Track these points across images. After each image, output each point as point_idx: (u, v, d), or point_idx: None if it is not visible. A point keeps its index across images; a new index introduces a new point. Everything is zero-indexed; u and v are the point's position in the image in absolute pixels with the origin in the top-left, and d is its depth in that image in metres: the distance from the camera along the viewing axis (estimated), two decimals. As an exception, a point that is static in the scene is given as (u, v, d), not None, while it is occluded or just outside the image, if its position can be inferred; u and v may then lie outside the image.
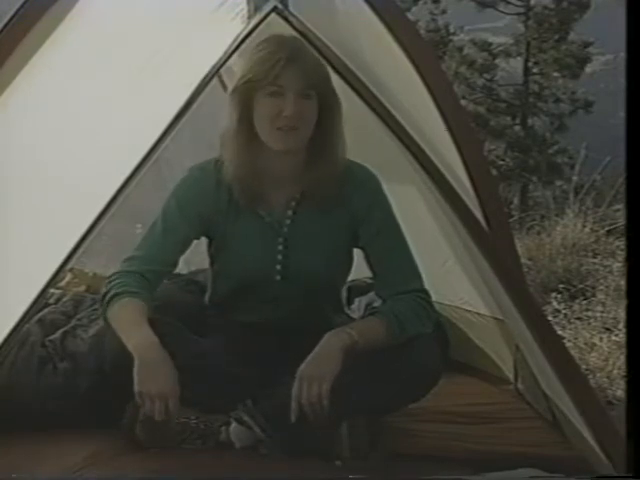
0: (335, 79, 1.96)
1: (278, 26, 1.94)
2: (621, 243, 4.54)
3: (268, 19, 1.91)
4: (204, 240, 2.23)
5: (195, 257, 2.37)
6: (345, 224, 2.16)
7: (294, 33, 1.98)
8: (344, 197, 2.14)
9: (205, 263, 2.29)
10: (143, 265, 2.09)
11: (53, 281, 1.84)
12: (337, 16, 2.29)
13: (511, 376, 2.64)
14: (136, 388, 1.90)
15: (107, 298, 2.04)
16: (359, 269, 2.28)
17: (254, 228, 2.16)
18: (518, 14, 12.86)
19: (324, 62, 2.04)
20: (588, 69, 13.07)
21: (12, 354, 2.24)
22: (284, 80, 2.00)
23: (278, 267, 2.17)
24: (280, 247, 2.16)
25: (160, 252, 2.11)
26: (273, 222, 2.16)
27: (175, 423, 2.05)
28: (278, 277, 2.17)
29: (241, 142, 2.08)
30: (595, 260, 4.47)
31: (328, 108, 2.07)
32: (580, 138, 8.22)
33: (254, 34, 1.92)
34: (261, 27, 1.91)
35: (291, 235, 2.16)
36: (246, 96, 2.04)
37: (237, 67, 2.10)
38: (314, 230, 2.16)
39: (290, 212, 2.16)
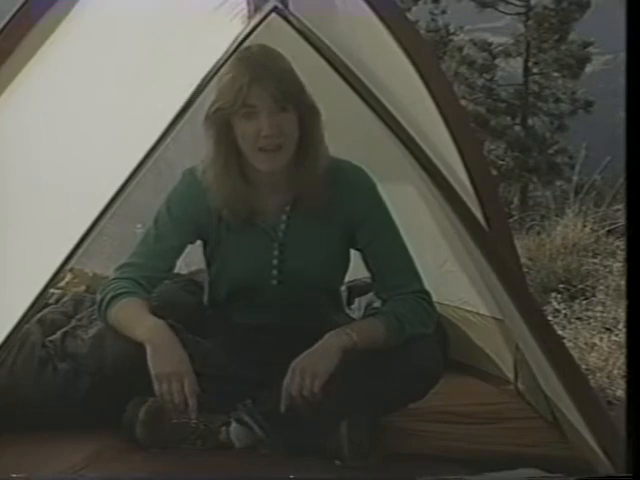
0: (335, 79, 1.96)
1: (278, 26, 1.94)
2: (621, 243, 4.54)
3: (268, 19, 1.91)
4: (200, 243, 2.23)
5: (195, 257, 2.37)
6: (341, 226, 2.16)
7: (289, 34, 1.97)
8: (339, 199, 2.14)
9: (205, 263, 2.30)
10: (136, 272, 2.10)
11: (53, 281, 1.84)
12: (337, 16, 2.29)
13: (511, 376, 2.64)
14: (152, 372, 1.92)
15: (104, 302, 2.06)
16: (359, 269, 2.28)
17: (249, 234, 2.15)
18: (518, 14, 12.85)
19: (293, 71, 2.04)
20: (588, 69, 13.05)
21: (12, 354, 2.24)
22: (253, 101, 2.00)
23: (274, 272, 2.17)
24: (275, 252, 2.16)
25: (152, 259, 2.13)
26: (267, 228, 2.16)
27: (176, 422, 2.06)
28: (274, 281, 2.17)
29: (220, 168, 2.07)
30: (595, 260, 4.48)
31: (307, 115, 2.06)
32: (580, 138, 8.21)
33: (254, 34, 1.91)
34: (261, 27, 1.91)
35: (286, 239, 2.16)
36: (220, 122, 2.04)
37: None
38: (309, 233, 2.16)
39: (284, 217, 2.16)
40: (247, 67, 2.01)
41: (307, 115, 2.06)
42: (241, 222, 2.13)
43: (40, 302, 1.91)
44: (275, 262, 2.16)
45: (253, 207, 2.13)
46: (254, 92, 1.99)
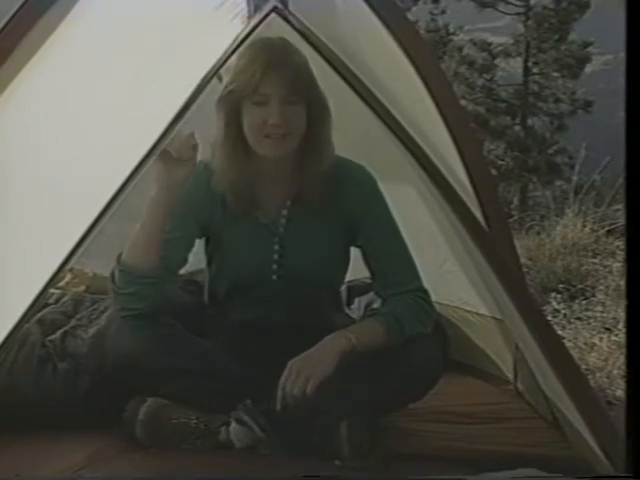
0: (335, 79, 1.96)
1: (278, 26, 1.94)
2: (621, 243, 4.54)
3: (268, 19, 1.91)
4: (202, 241, 2.23)
5: (194, 257, 2.37)
6: (341, 223, 2.16)
7: (289, 34, 1.98)
8: (339, 196, 2.15)
9: (204, 263, 2.30)
10: None
11: (53, 281, 1.84)
12: (337, 16, 2.29)
13: (511, 376, 2.64)
14: None
15: None
16: (359, 269, 2.28)
17: (249, 229, 2.16)
18: (518, 14, 12.83)
19: (308, 66, 2.04)
20: (588, 69, 13.04)
21: (12, 354, 2.24)
22: (266, 89, 2.00)
23: (274, 267, 2.17)
24: (276, 247, 2.16)
25: (163, 251, 2.11)
26: (268, 222, 2.16)
27: (176, 422, 2.06)
28: (275, 277, 2.17)
29: (228, 151, 2.08)
30: (595, 260, 4.48)
31: (316, 111, 2.07)
32: (580, 138, 8.20)
33: (254, 34, 1.91)
34: (261, 27, 1.91)
35: (287, 235, 2.16)
36: (232, 105, 2.05)
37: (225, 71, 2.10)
38: (310, 229, 2.16)
39: (285, 212, 2.16)
40: (264, 54, 2.02)
41: (316, 112, 2.07)
42: (243, 210, 2.13)
43: (40, 302, 1.91)
44: (275, 257, 2.17)
45: (255, 196, 2.14)
46: (268, 80, 2.00)
